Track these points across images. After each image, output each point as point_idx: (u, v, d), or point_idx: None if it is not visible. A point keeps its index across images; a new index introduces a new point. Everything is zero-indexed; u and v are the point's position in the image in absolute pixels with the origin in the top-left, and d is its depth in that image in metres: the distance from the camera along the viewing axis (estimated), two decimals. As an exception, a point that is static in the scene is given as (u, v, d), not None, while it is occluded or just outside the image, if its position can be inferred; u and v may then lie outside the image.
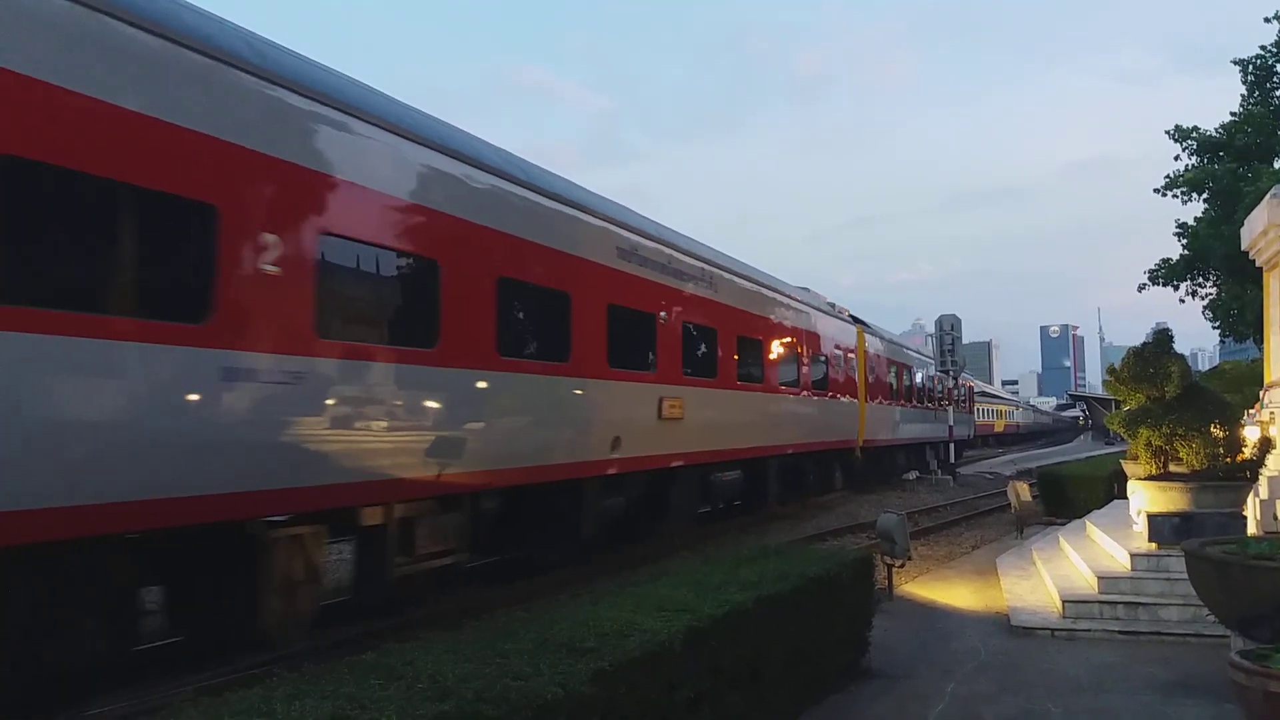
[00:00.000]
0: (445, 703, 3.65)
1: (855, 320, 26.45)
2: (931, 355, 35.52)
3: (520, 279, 10.31)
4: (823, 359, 22.13)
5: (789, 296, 20.63)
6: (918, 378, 33.24)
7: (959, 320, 32.28)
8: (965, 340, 33.47)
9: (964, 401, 41.87)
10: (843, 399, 23.59)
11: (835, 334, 23.51)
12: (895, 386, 29.80)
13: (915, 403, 32.57)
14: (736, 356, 16.70)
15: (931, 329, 35.53)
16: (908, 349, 33.20)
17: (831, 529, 17.80)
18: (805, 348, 20.92)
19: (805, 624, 6.58)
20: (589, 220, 12.08)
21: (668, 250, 14.52)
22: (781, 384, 19.16)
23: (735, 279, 17.43)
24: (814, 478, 22.02)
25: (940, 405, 36.09)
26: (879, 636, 8.12)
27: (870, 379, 26.26)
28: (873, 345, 27.12)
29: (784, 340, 19.47)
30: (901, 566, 11.42)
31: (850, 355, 24.51)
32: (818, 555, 8.03)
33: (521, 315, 10.75)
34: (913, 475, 31.39)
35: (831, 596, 7.08)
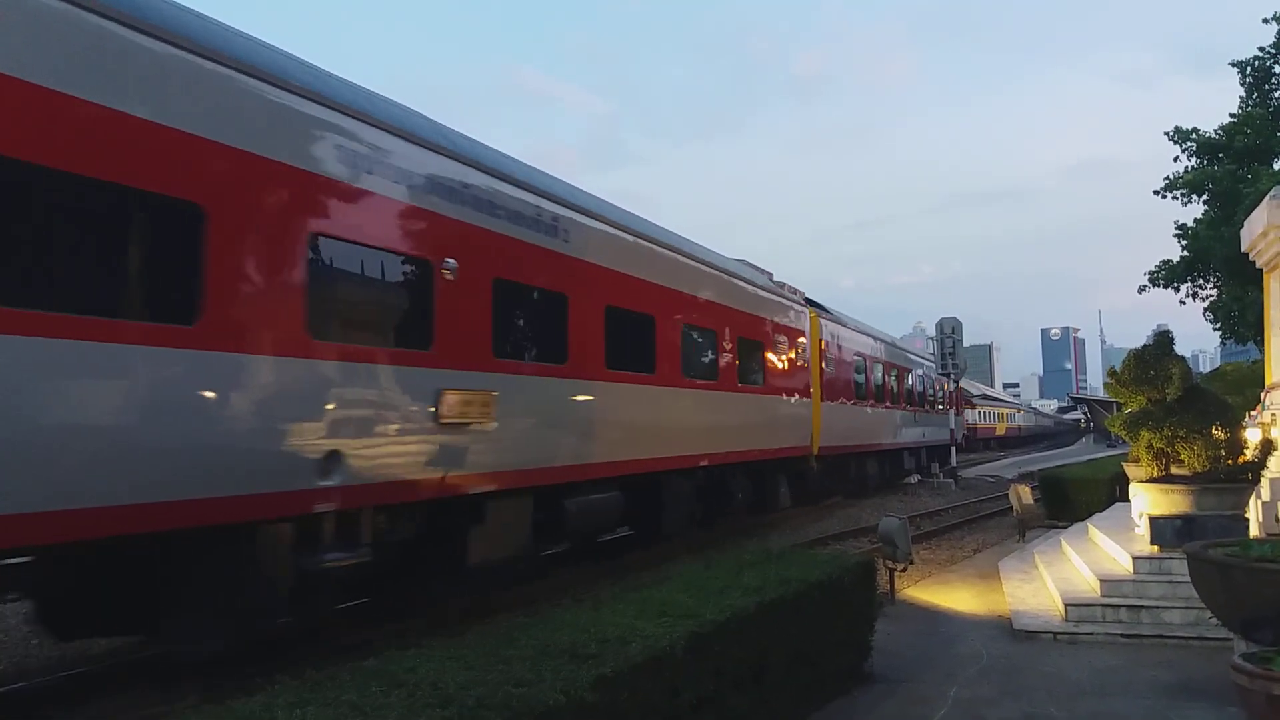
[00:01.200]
0: (447, 709, 3.65)
1: (811, 304, 22.44)
2: (913, 349, 33.65)
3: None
4: (759, 347, 17.83)
5: (705, 264, 16.00)
6: (893, 375, 29.38)
7: (960, 323, 32.28)
8: (966, 343, 33.46)
9: (943, 403, 37.74)
10: (790, 398, 19.40)
11: (780, 317, 19.26)
12: (865, 384, 26.03)
13: (890, 403, 28.83)
14: (607, 336, 12.04)
15: (932, 332, 35.45)
16: (881, 340, 29.29)
17: (834, 533, 17.79)
18: (731, 331, 16.32)
19: (808, 628, 6.57)
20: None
21: (459, 164, 9.58)
22: (692, 376, 14.70)
23: (606, 229, 12.52)
24: (746, 495, 17.48)
25: (925, 407, 33.57)
26: (881, 640, 8.11)
27: (829, 374, 22.46)
28: (832, 335, 23.42)
29: (696, 319, 15.08)
30: (904, 570, 11.41)
31: (801, 344, 20.38)
32: (820, 559, 8.04)
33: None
34: (914, 479, 31.36)
35: (834, 601, 7.08)
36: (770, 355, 18.38)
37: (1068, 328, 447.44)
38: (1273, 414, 12.02)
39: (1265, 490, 10.82)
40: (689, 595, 6.02)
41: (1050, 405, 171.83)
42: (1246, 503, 10.18)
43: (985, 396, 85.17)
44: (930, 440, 33.81)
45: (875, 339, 28.39)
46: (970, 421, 66.69)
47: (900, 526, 11.09)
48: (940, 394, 36.39)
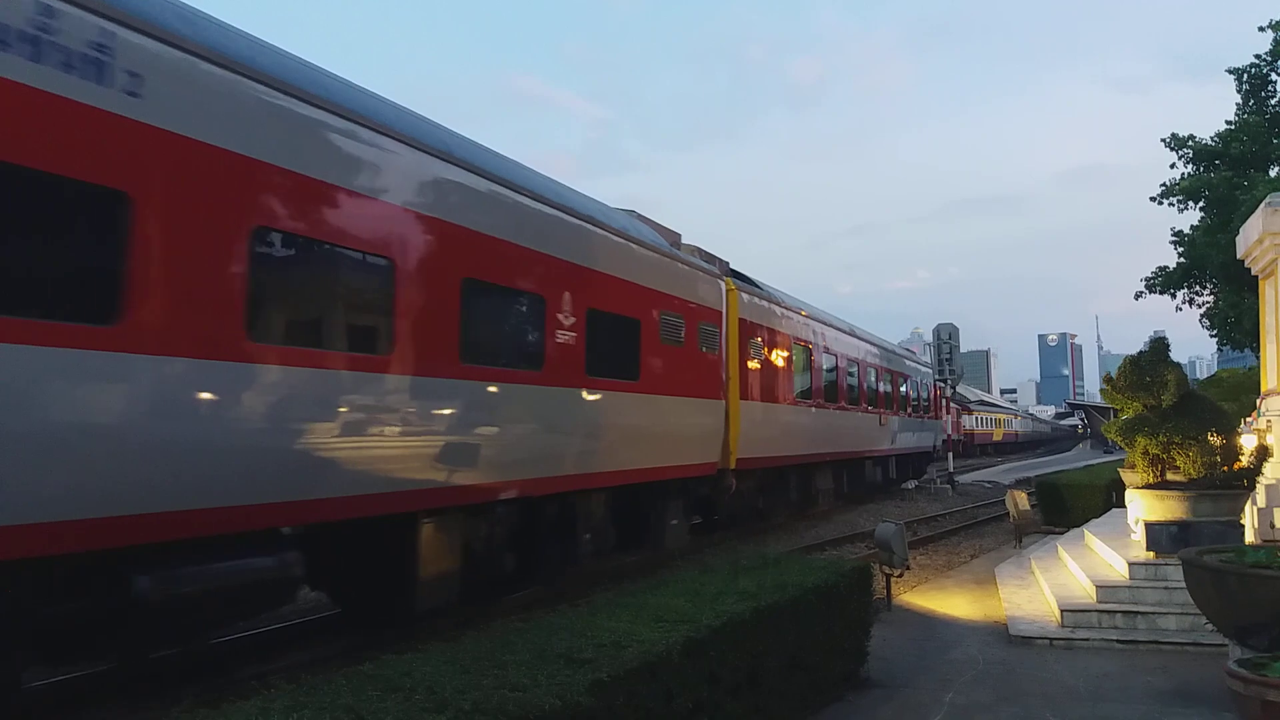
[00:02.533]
0: (443, 714, 3.66)
1: (734, 275, 17.59)
2: (886, 343, 30.36)
3: None
4: (630, 326, 12.71)
5: (550, 204, 10.92)
6: (853, 371, 24.53)
7: (957, 329, 32.32)
8: (963, 349, 33.48)
9: (926, 407, 34.12)
10: (685, 397, 14.24)
11: (674, 287, 14.12)
12: (812, 380, 21.26)
13: (849, 404, 24.02)
14: (350, 298, 8.23)
15: (929, 337, 35.44)
16: (835, 328, 24.02)
17: (830, 539, 17.79)
18: (574, 300, 11.07)
19: (804, 634, 6.58)
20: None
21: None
22: (489, 362, 9.67)
23: (380, 141, 8.34)
24: (604, 533, 12.38)
25: (900, 410, 29.53)
26: (878, 646, 8.12)
27: (754, 366, 17.49)
28: (760, 315, 18.11)
29: (503, 275, 9.92)
30: (900, 576, 11.41)
31: (709, 326, 15.20)
32: (816, 565, 8.03)
33: None
34: (911, 484, 31.36)
35: (830, 606, 7.08)
36: (652, 338, 13.24)
37: (1065, 333, 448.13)
38: (1268, 420, 12.04)
39: (1260, 496, 10.85)
40: (685, 600, 6.02)
41: (1047, 411, 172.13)
42: (1242, 509, 10.20)
43: (982, 402, 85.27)
44: (907, 447, 30.56)
45: (827, 324, 23.25)
46: (967, 427, 66.75)
47: (897, 532, 11.10)
48: (923, 396, 33.40)
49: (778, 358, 18.79)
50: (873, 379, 26.69)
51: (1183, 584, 7.31)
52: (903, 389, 30.28)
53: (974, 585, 12.53)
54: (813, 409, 21.23)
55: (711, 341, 15.25)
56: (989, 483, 35.74)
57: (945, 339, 32.25)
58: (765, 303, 18.57)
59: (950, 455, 34.32)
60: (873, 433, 26.44)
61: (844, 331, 24.74)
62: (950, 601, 11.40)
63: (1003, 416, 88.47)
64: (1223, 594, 6.42)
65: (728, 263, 17.49)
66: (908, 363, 32.56)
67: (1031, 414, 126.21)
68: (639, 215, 15.01)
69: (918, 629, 9.97)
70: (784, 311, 19.68)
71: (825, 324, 23.13)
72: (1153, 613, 9.22)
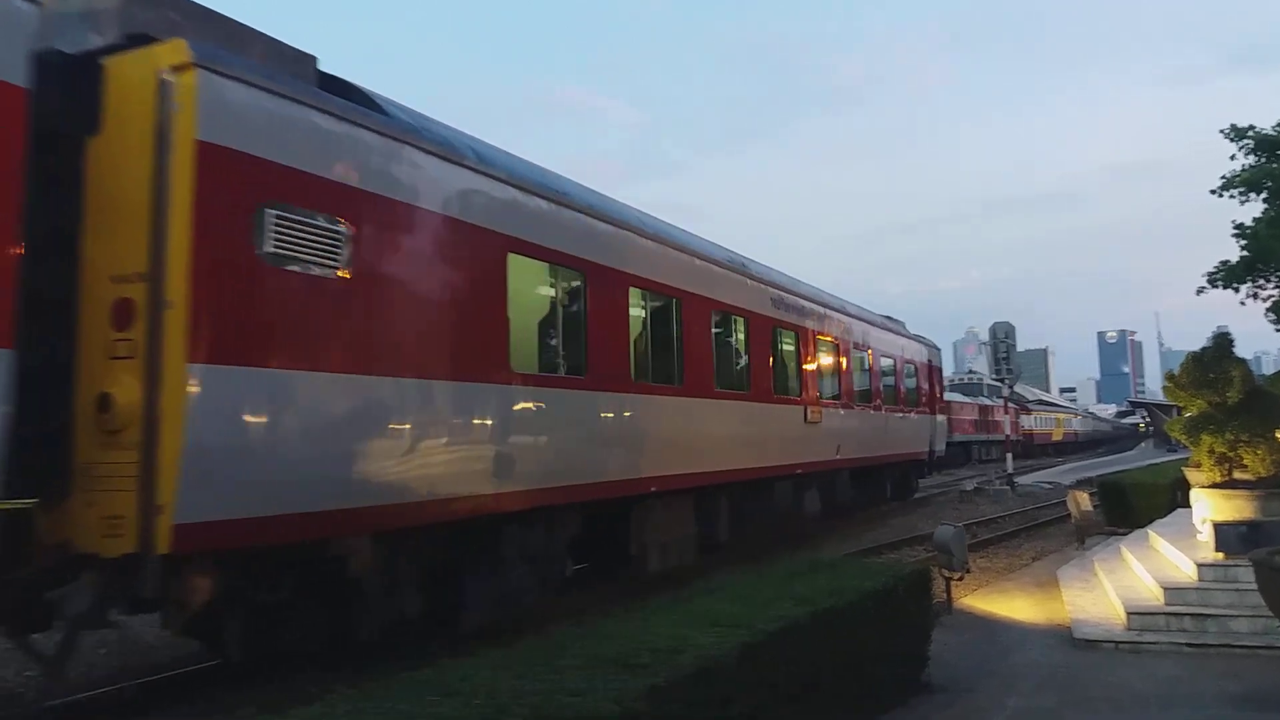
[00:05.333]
0: (501, 719, 3.68)
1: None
2: (794, 288, 17.27)
3: None
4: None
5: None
6: (738, 328, 14.85)
7: (1013, 328, 31.86)
8: (1020, 348, 32.97)
9: (913, 397, 24.44)
10: None
11: None
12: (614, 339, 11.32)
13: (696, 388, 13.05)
14: None
15: (985, 336, 34.93)
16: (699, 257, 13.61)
17: (887, 542, 17.59)
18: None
19: (862, 638, 6.51)
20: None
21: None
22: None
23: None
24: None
25: (854, 401, 19.67)
26: (938, 650, 8.01)
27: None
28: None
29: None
30: (960, 579, 11.25)
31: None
32: (873, 569, 7.96)
33: None
34: (970, 485, 30.89)
35: (888, 611, 7.00)
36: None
37: (1124, 330, 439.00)
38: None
39: (1334, 494, 10.52)
40: (739, 605, 5.99)
41: (1108, 410, 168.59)
42: (1315, 507, 9.90)
43: (1041, 402, 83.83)
44: (874, 454, 20.96)
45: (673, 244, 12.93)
46: (1026, 427, 65.65)
47: (956, 535, 10.94)
48: (909, 384, 24.36)
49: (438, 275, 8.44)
50: (784, 349, 16.54)
51: (1254, 586, 7.11)
52: (863, 369, 20.76)
53: (1036, 588, 12.30)
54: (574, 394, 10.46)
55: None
56: (1049, 483, 35.07)
57: (1001, 338, 31.76)
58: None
59: (1009, 456, 33.78)
60: (768, 429, 15.63)
61: (689, 251, 13.33)
62: (1012, 604, 11.21)
63: (1062, 416, 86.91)
64: (1296, 595, 6.24)
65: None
66: (876, 331, 21.87)
67: (1091, 413, 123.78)
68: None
69: (979, 633, 9.82)
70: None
71: (681, 245, 13.22)
72: (1223, 615, 8.98)
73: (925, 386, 25.65)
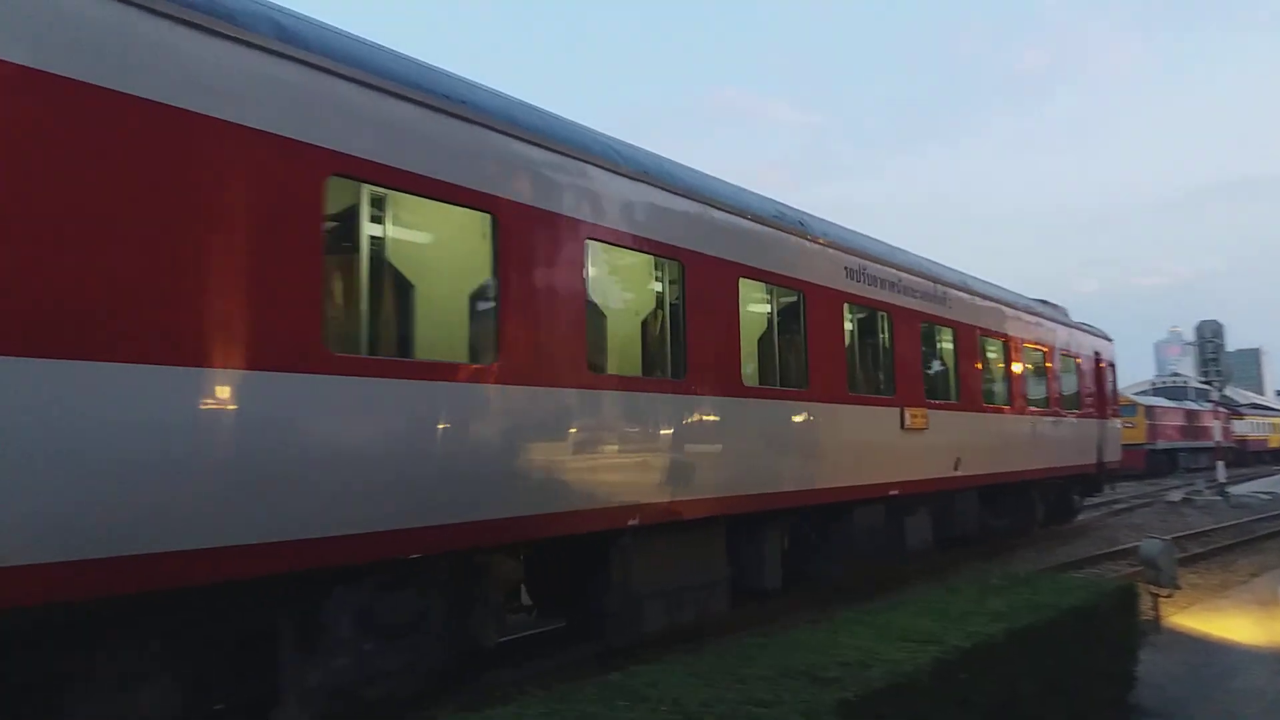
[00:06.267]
0: (690, 727, 3.69)
1: None
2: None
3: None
4: None
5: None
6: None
7: (1221, 326, 29.79)
8: (1229, 348, 30.73)
9: (1072, 398, 19.94)
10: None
11: None
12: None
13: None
14: None
15: (1190, 336, 32.62)
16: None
17: (1085, 556, 16.64)
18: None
19: (1062, 657, 6.17)
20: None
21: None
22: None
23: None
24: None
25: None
26: (1147, 671, 7.51)
27: None
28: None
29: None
30: (1169, 596, 10.52)
31: None
32: (1073, 584, 7.56)
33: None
34: (1177, 496, 28.88)
35: (1090, 628, 6.62)
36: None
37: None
38: None
39: None
40: (930, 620, 5.80)
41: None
42: None
43: (1254, 405, 77.60)
44: (1014, 468, 16.55)
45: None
46: (1239, 433, 61.05)
47: (1164, 549, 10.24)
48: (1068, 381, 19.91)
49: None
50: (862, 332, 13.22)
51: None
52: (998, 362, 17.14)
53: (1256, 606, 11.36)
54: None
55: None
56: (1266, 494, 32.36)
57: (1209, 337, 29.71)
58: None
59: (1221, 465, 31.41)
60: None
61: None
62: (1228, 624, 10.38)
63: (1279, 421, 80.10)
64: None
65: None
66: (1019, 316, 17.83)
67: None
68: None
69: (1192, 654, 9.14)
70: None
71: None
72: None
73: (1091, 385, 21.24)
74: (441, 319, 7.67)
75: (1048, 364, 18.78)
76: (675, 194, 9.49)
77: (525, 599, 8.92)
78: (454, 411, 6.97)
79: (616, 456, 8.43)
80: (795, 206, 12.11)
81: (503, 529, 7.28)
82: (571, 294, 8.07)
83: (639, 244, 9.01)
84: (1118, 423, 23.51)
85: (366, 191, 7.00)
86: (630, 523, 8.37)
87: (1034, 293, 20.77)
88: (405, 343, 7.50)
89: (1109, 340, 23.13)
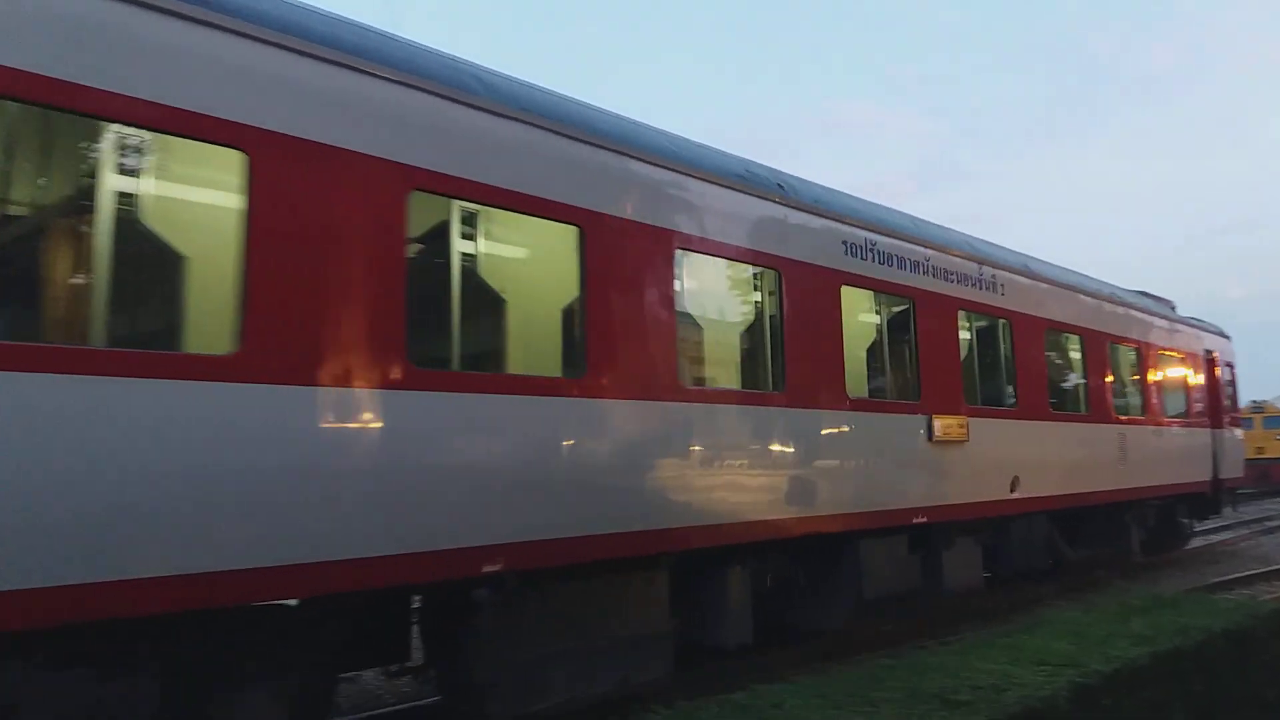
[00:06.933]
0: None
1: None
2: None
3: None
4: None
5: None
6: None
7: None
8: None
9: (1153, 407, 15.94)
10: None
11: None
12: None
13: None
14: None
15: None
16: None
17: (1235, 575, 15.69)
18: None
19: (1214, 684, 5.84)
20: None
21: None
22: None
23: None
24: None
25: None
26: (1312, 702, 7.01)
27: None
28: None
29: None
30: (1331, 620, 9.81)
31: None
32: (1223, 606, 7.17)
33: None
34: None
35: (1244, 653, 6.24)
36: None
37: None
38: None
39: None
40: (1068, 643, 5.57)
41: None
42: None
43: None
44: (1098, 488, 13.68)
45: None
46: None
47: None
48: (1173, 386, 17.04)
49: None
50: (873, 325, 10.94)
51: None
52: (1073, 362, 14.29)
53: None
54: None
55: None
56: None
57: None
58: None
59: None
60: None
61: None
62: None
63: None
64: None
65: None
66: (1104, 307, 15.02)
67: None
68: None
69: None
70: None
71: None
72: None
73: (1204, 390, 18.04)
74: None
75: (1144, 364, 15.83)
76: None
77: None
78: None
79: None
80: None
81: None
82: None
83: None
84: (1238, 433, 20.32)
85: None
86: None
87: (1183, 301, 18.91)
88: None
89: (1226, 338, 20.13)
